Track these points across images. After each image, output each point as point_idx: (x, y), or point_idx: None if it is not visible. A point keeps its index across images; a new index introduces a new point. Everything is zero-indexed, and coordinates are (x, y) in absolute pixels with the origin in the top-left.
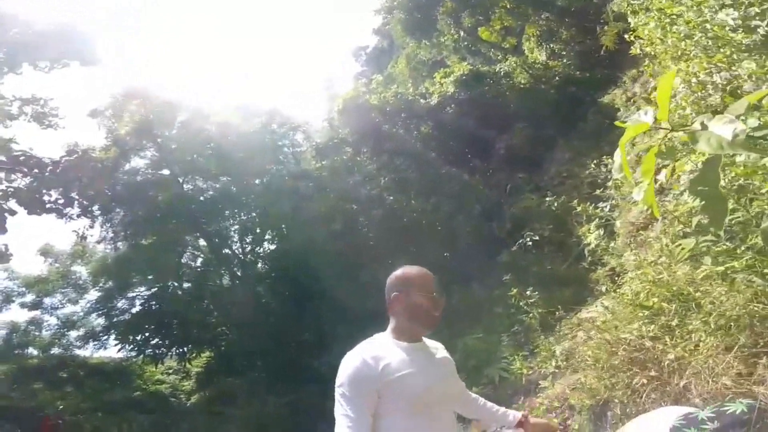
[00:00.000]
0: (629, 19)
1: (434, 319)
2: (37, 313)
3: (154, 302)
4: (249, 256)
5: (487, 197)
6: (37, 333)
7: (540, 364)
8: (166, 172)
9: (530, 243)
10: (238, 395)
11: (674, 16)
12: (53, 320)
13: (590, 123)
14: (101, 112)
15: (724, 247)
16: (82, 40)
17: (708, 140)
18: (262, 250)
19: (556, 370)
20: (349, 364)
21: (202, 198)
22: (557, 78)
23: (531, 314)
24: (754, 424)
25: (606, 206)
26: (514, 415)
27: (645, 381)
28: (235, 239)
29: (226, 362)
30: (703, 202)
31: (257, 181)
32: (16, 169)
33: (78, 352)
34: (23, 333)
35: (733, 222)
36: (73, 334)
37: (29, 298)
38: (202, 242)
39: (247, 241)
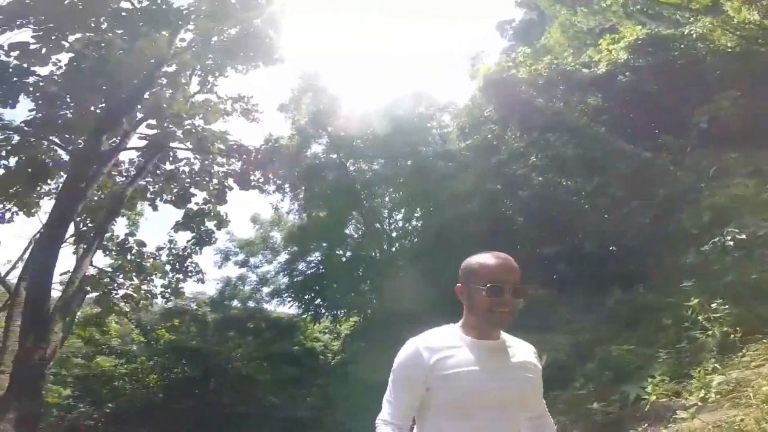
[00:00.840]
0: None
1: (496, 317)
2: (244, 270)
3: (321, 267)
4: (396, 232)
5: (677, 181)
6: (241, 288)
7: (692, 390)
8: (334, 156)
9: (732, 242)
10: (370, 360)
11: None
12: (254, 277)
13: None
14: (286, 106)
15: None
16: (264, 42)
17: None
18: (410, 226)
19: (699, 403)
20: (404, 350)
21: (362, 178)
22: None
23: (711, 331)
24: None
25: None
26: None
27: None
28: (385, 216)
29: (368, 328)
30: None
31: (409, 162)
32: (230, 155)
33: (266, 306)
34: (233, 287)
35: None
36: (266, 290)
37: (240, 257)
38: (361, 217)
39: (396, 218)
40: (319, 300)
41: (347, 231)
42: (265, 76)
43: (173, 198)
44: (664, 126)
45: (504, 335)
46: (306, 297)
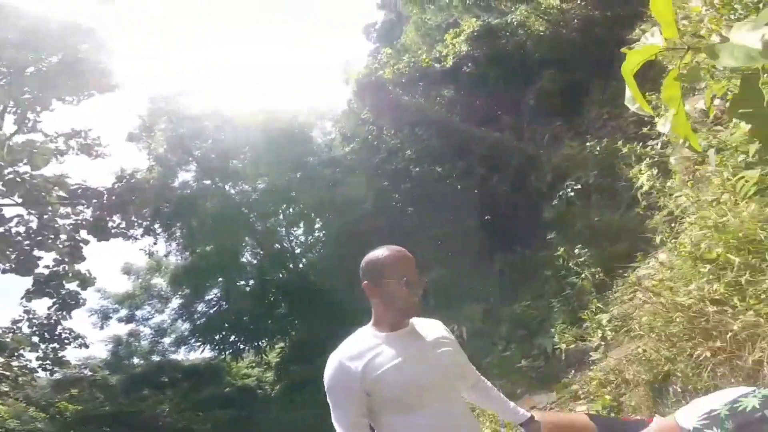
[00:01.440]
0: None
1: (414, 305)
2: (132, 325)
3: (224, 302)
4: (300, 248)
5: (522, 152)
6: (137, 344)
7: (591, 332)
8: (208, 182)
9: (572, 193)
10: (308, 381)
11: None
12: (147, 330)
13: (623, 60)
14: (137, 135)
15: None
16: (95, 69)
17: (732, 53)
18: (311, 238)
19: (602, 342)
20: (329, 368)
21: (248, 200)
22: (576, 21)
23: (582, 275)
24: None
25: (657, 143)
26: (523, 413)
27: (709, 354)
28: (284, 234)
29: (299, 350)
30: (749, 126)
31: (298, 175)
32: (76, 202)
33: (173, 356)
34: (126, 345)
35: None
36: (167, 340)
37: (123, 312)
38: (255, 242)
39: (296, 233)
40: (233, 336)
41: (244, 259)
42: (105, 106)
43: (12, 266)
44: (505, 107)
45: (411, 320)
46: (216, 337)
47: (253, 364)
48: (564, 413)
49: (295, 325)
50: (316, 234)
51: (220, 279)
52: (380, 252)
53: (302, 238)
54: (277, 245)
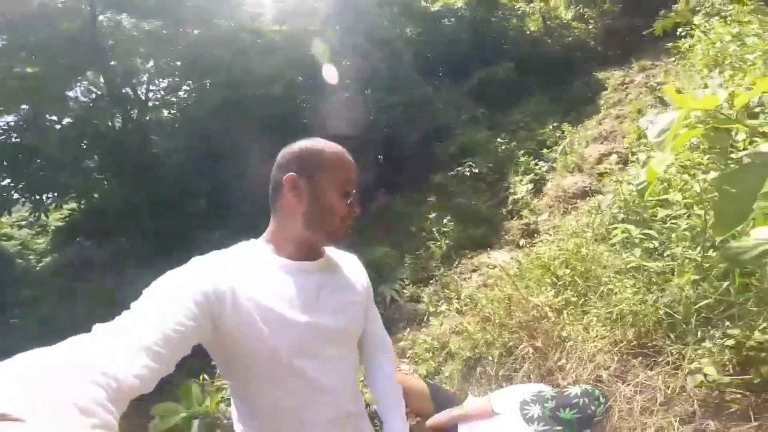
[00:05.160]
0: None
1: (344, 228)
2: None
3: (17, 135)
4: (154, 102)
5: (443, 116)
6: None
7: (428, 297)
8: (83, 5)
9: (468, 173)
10: (97, 264)
11: None
12: None
13: (575, 87)
14: None
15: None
16: None
17: None
18: (175, 98)
19: (436, 309)
20: (182, 269)
21: (119, 35)
22: (570, 38)
23: (439, 243)
24: (587, 407)
25: (545, 167)
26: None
27: (531, 350)
28: (143, 80)
29: (95, 219)
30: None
31: (195, 32)
32: None
33: None
34: None
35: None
36: None
37: None
38: (102, 79)
39: (159, 85)
40: (9, 180)
41: (72, 93)
42: None
43: None
44: (454, 73)
45: (326, 250)
46: None
47: (23, 223)
48: (402, 374)
49: (104, 187)
50: (183, 95)
51: (24, 106)
52: (319, 143)
53: (162, 93)
54: (128, 90)
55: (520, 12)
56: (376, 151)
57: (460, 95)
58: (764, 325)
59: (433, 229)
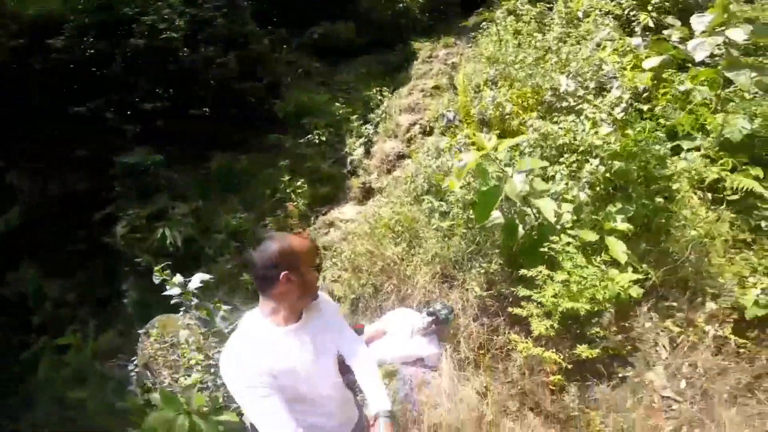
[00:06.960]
0: None
1: (317, 288)
2: None
3: None
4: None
5: (278, 74)
6: None
7: None
8: None
9: (315, 139)
10: None
11: None
12: None
13: (395, 53)
14: None
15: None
16: None
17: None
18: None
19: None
20: (235, 358)
21: None
22: (402, 4)
23: (296, 203)
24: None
25: (371, 130)
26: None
27: (391, 287)
28: None
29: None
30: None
31: None
32: None
33: None
34: None
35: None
36: None
37: None
38: None
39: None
40: None
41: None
42: None
43: None
44: (290, 23)
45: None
46: None
47: None
48: None
49: None
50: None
51: None
52: (293, 240)
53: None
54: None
55: None
56: (209, 104)
57: (297, 49)
58: (498, 259)
59: (288, 190)
